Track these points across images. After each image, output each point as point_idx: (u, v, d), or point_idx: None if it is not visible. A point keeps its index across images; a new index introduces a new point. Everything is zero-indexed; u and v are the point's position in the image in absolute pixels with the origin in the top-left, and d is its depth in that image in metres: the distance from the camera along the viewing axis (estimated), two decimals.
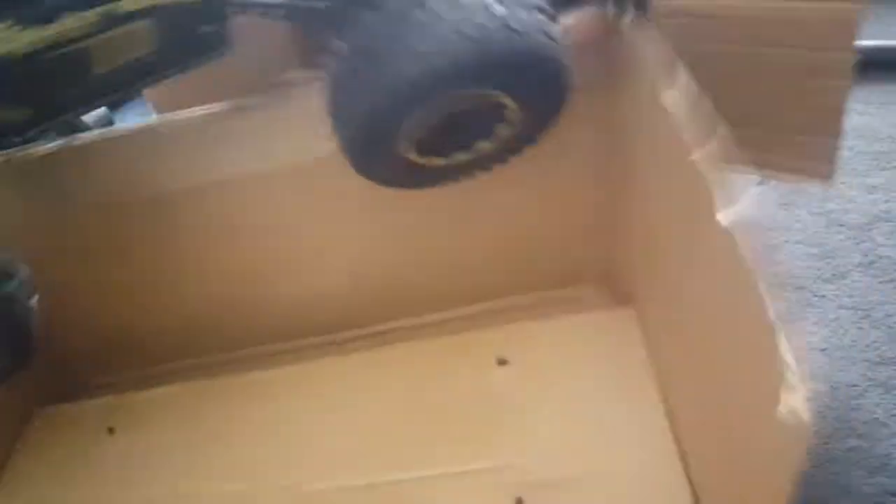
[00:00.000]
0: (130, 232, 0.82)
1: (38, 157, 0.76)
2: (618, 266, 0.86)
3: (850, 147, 1.15)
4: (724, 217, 0.49)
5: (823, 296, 0.96)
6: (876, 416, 0.83)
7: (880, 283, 0.96)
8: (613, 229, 0.84)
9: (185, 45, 0.67)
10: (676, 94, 0.57)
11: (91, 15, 0.58)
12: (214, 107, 0.74)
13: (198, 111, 0.75)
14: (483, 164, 0.72)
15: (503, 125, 0.67)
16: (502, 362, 0.81)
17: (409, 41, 0.58)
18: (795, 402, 0.38)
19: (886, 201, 1.06)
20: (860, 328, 0.92)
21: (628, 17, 0.68)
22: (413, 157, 0.66)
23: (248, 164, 0.78)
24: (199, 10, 0.66)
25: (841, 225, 1.04)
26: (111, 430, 0.86)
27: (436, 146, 0.67)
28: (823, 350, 0.90)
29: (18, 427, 0.88)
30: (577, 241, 0.87)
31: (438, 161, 0.68)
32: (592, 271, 0.89)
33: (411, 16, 0.58)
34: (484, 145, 0.69)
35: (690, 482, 0.66)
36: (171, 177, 0.78)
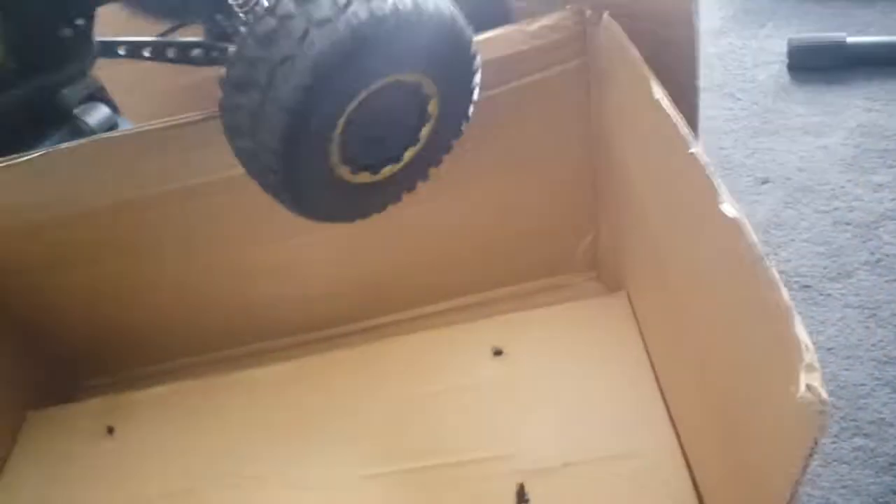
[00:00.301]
0: (123, 234, 0.82)
1: (29, 162, 0.75)
2: (606, 255, 0.87)
3: (857, 144, 1.13)
4: (728, 206, 0.49)
5: (829, 294, 0.95)
6: (883, 415, 0.82)
7: (887, 281, 0.95)
8: (601, 220, 0.85)
9: (45, 50, 0.57)
10: (662, 90, 0.58)
11: None
12: (205, 112, 0.74)
13: (189, 116, 0.74)
14: (408, 183, 0.68)
15: (427, 126, 0.63)
16: (497, 353, 0.81)
17: (299, 18, 0.52)
18: (813, 380, 0.38)
19: (893, 199, 1.05)
20: (867, 327, 0.90)
21: (606, 16, 0.68)
22: (346, 174, 0.60)
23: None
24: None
25: (847, 223, 1.03)
26: (110, 430, 0.86)
27: (366, 160, 0.62)
28: (830, 349, 0.89)
29: (14, 429, 0.88)
30: (565, 231, 0.88)
31: (367, 177, 0.63)
32: (581, 261, 0.90)
33: None
34: (411, 154, 0.64)
35: (688, 464, 0.67)
36: (163, 178, 0.78)
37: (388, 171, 0.64)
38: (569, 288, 0.90)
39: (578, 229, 0.88)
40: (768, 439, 0.47)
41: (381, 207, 0.68)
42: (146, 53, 0.64)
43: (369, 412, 0.79)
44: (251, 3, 0.64)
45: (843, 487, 0.77)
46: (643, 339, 0.78)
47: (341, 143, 0.58)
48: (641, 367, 0.76)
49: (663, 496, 0.66)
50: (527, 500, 0.69)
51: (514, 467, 0.70)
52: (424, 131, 0.63)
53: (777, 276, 0.45)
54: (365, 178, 0.63)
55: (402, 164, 0.64)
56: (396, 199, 0.68)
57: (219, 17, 0.65)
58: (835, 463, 0.79)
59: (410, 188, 0.68)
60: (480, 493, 0.70)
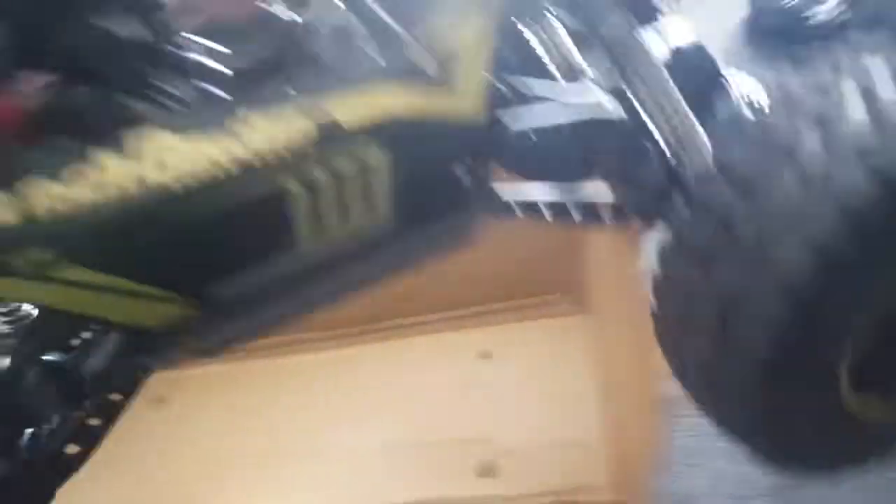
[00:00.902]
0: None
1: None
2: (580, 279, 1.03)
3: None
4: None
5: None
6: None
7: None
8: (577, 251, 1.01)
9: (425, 208, 0.44)
10: None
11: (293, 119, 0.33)
12: None
13: None
14: None
15: None
16: (485, 355, 0.98)
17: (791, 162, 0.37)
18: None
19: None
20: None
21: None
22: (846, 394, 0.40)
23: None
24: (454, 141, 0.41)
25: None
26: (162, 399, 1.02)
27: (876, 373, 0.41)
28: None
29: None
30: (547, 259, 1.03)
31: (875, 406, 0.42)
32: (560, 283, 1.06)
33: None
34: None
35: (623, 448, 0.82)
36: None
37: None
38: (547, 306, 1.06)
39: (556, 260, 1.03)
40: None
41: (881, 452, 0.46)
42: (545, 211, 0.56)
43: (379, 397, 0.97)
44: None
45: None
46: (606, 353, 0.93)
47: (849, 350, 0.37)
48: (600, 374, 0.92)
49: (602, 473, 0.82)
50: (496, 475, 0.84)
51: (487, 447, 0.87)
52: None
53: None
54: (873, 408, 0.41)
55: None
56: None
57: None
58: None
59: None
60: (460, 466, 0.86)
